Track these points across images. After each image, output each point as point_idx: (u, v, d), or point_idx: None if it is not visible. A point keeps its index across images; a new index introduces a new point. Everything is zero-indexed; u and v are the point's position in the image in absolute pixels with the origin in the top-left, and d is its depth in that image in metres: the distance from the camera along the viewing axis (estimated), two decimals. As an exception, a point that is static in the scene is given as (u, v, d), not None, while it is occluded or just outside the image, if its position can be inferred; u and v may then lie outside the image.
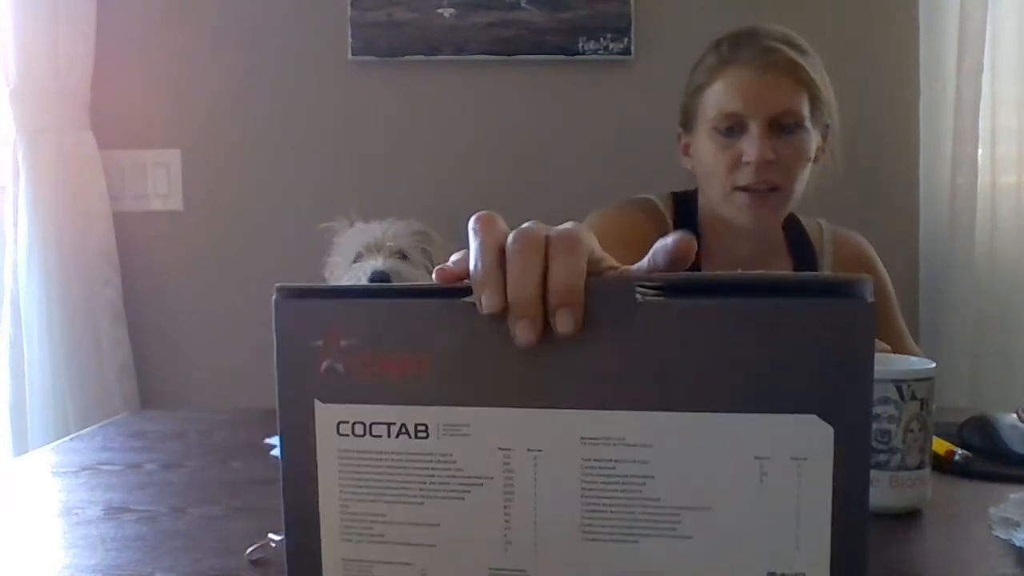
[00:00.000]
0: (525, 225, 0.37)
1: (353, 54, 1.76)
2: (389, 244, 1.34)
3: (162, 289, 1.79)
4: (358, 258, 1.33)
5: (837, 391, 0.35)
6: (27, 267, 1.66)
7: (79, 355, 1.67)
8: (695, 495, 0.36)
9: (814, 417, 0.35)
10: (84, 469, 0.80)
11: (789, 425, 0.35)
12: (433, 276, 0.39)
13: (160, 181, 1.78)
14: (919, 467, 0.65)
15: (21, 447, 1.66)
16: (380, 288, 0.40)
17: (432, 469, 0.39)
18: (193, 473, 0.79)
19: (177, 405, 1.73)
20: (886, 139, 1.81)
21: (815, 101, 1.06)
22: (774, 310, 0.35)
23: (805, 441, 0.35)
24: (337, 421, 0.39)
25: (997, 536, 0.58)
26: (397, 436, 0.39)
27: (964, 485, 0.73)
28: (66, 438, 0.94)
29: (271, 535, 0.57)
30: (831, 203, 1.22)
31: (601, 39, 1.76)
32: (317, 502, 0.40)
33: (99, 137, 1.72)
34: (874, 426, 0.65)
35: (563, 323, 0.35)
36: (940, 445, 0.76)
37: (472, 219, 0.38)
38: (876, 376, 0.67)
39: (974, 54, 1.66)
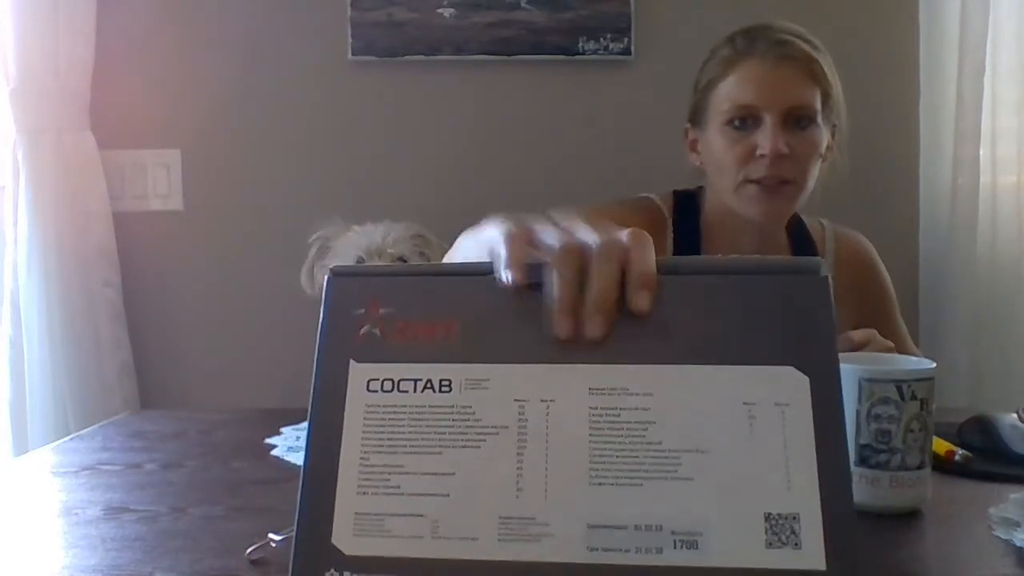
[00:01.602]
0: (600, 240, 0.43)
1: (353, 54, 1.76)
2: (390, 251, 1.34)
3: (162, 289, 1.79)
4: (359, 262, 1.34)
5: (807, 348, 0.42)
6: (27, 267, 1.66)
7: (79, 355, 1.67)
8: (693, 439, 0.40)
9: (791, 368, 0.41)
10: (84, 469, 0.80)
11: (770, 375, 0.41)
12: (507, 273, 0.43)
13: (160, 181, 1.78)
14: (919, 467, 0.65)
15: (21, 447, 1.66)
16: (415, 267, 0.47)
17: (452, 419, 0.42)
18: (193, 473, 0.79)
19: (177, 405, 1.73)
20: (886, 139, 1.81)
21: (826, 98, 1.06)
22: (747, 285, 0.43)
23: (786, 389, 0.41)
24: (368, 379, 0.43)
25: (997, 536, 0.58)
26: (423, 391, 0.43)
27: (964, 485, 0.73)
28: (66, 438, 0.94)
29: (271, 535, 0.57)
30: (831, 203, 1.22)
31: (601, 39, 1.76)
32: (338, 458, 0.42)
33: (99, 137, 1.72)
34: (874, 426, 0.65)
35: (639, 306, 0.42)
36: (940, 445, 0.76)
37: (552, 237, 0.44)
38: (877, 376, 0.67)
39: (976, 55, 1.66)
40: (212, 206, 1.79)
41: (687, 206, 1.17)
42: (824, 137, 1.07)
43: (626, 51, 1.76)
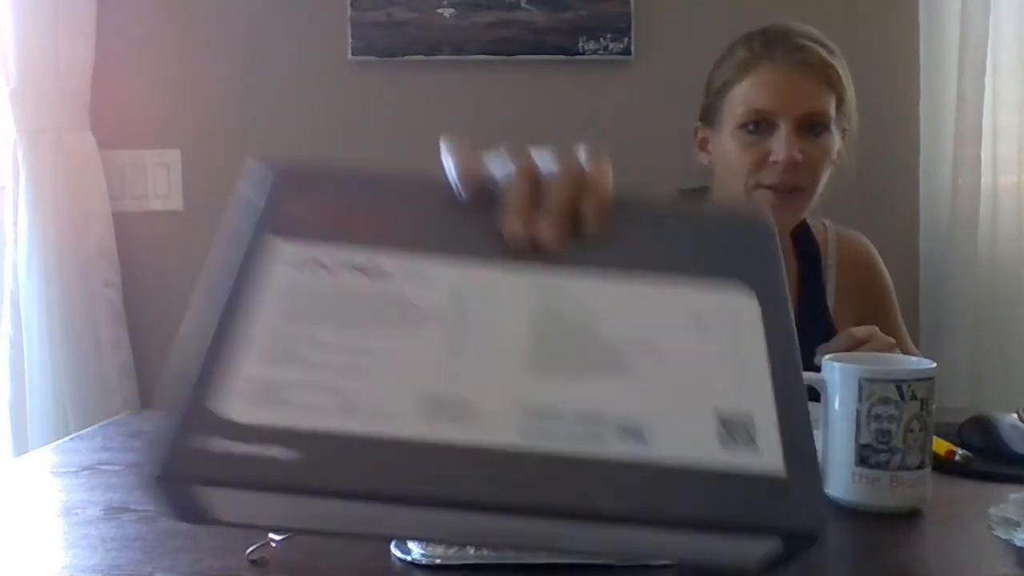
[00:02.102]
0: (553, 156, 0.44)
1: (353, 54, 1.76)
2: None
3: (162, 289, 1.79)
4: None
5: (754, 269, 0.43)
6: (27, 267, 1.66)
7: (79, 355, 1.67)
8: (640, 337, 0.39)
9: (739, 282, 0.42)
10: (84, 469, 0.80)
11: (720, 286, 0.42)
12: (455, 172, 0.43)
13: (160, 181, 1.78)
14: (919, 467, 0.65)
15: (21, 447, 1.66)
16: (362, 169, 0.44)
17: (384, 304, 0.38)
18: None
19: (177, 405, 1.72)
20: (886, 139, 1.81)
21: (840, 103, 1.05)
22: (699, 223, 0.45)
23: (735, 301, 0.41)
24: (291, 257, 0.39)
25: (997, 536, 0.58)
26: (352, 271, 0.40)
27: (964, 485, 0.73)
28: (66, 438, 0.94)
29: (271, 535, 0.57)
30: (831, 202, 1.22)
31: (601, 39, 1.76)
32: (238, 323, 0.37)
33: (99, 137, 1.72)
34: (874, 426, 0.65)
35: (592, 229, 0.42)
36: (940, 445, 0.76)
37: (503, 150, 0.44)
38: (877, 376, 0.67)
39: (976, 55, 1.66)
40: (212, 206, 1.79)
41: None
42: (836, 143, 1.07)
43: (626, 51, 1.76)
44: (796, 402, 0.38)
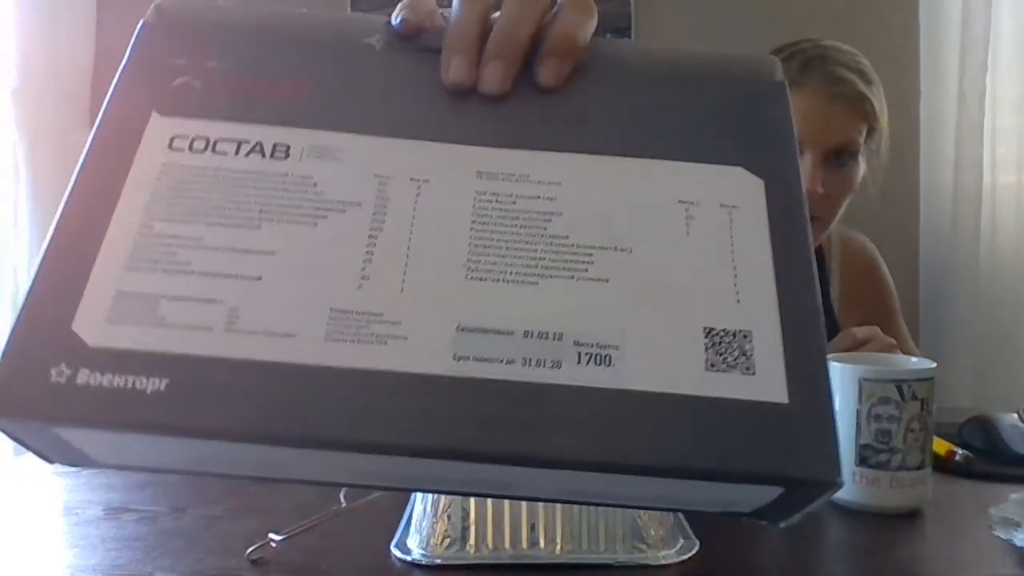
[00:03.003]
0: None
1: (353, 54, 1.76)
2: None
3: (162, 289, 1.79)
4: None
5: (762, 149, 0.34)
6: (27, 267, 1.66)
7: (79, 355, 1.67)
8: (611, 236, 0.31)
9: (741, 169, 0.33)
10: (84, 469, 0.80)
11: (715, 174, 0.33)
12: (400, 15, 0.35)
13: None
14: (920, 467, 0.65)
15: (21, 447, 1.66)
16: (272, 13, 0.36)
17: (283, 190, 0.31)
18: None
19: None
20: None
21: (872, 132, 1.03)
22: (693, 81, 0.36)
23: (734, 190, 0.33)
24: (173, 135, 0.32)
25: (997, 536, 0.58)
26: (247, 155, 0.32)
27: (964, 485, 0.73)
28: (66, 438, 0.94)
29: (271, 535, 0.57)
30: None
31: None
32: (106, 224, 0.30)
33: (99, 137, 1.72)
34: (874, 426, 0.65)
35: (547, 77, 0.34)
36: (941, 445, 0.76)
37: None
38: (877, 376, 0.67)
39: (977, 54, 1.66)
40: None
41: None
42: (861, 171, 1.05)
43: (626, 51, 1.76)
44: (806, 314, 0.30)
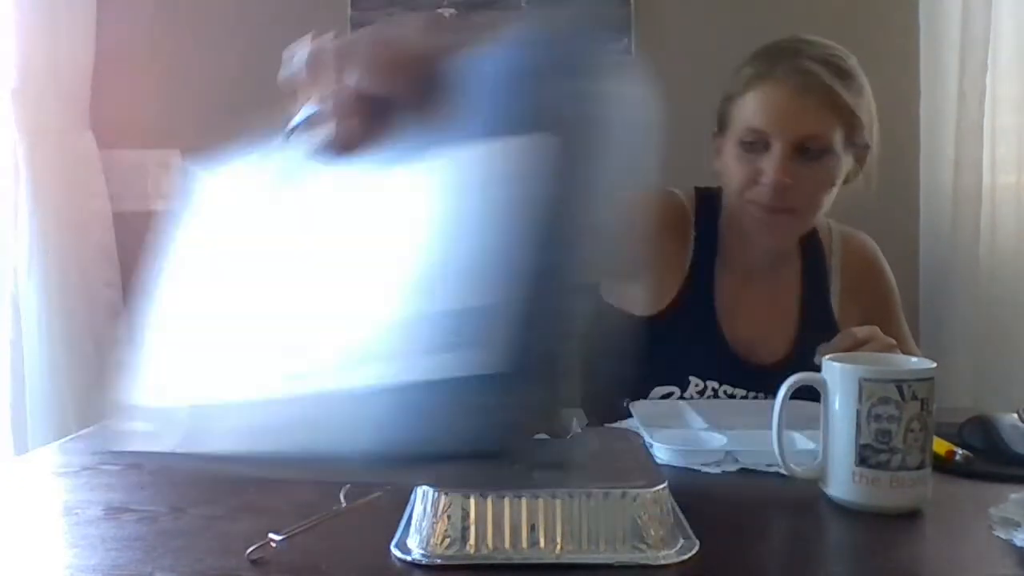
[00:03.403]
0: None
1: (353, 54, 1.76)
2: None
3: (162, 289, 1.79)
4: None
5: (560, 117, 0.35)
6: (27, 267, 1.66)
7: (79, 355, 1.67)
8: (399, 239, 0.37)
9: (537, 136, 0.35)
10: (84, 469, 0.80)
11: (515, 145, 0.35)
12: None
13: (160, 181, 1.78)
14: (920, 467, 0.65)
15: (21, 447, 1.66)
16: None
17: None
18: (193, 473, 0.78)
19: (177, 405, 1.72)
20: (886, 139, 1.80)
21: (850, 126, 1.03)
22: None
23: (523, 162, 0.34)
24: None
25: (997, 536, 0.58)
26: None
27: (964, 485, 0.73)
28: (66, 438, 0.94)
29: (271, 535, 0.57)
30: (832, 202, 1.21)
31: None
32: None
33: (99, 137, 1.72)
34: (874, 426, 0.65)
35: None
36: (941, 445, 0.76)
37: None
38: (877, 376, 0.67)
39: (977, 54, 1.66)
40: (212, 206, 1.79)
41: (708, 205, 1.16)
42: (843, 164, 1.04)
43: (626, 51, 1.76)
44: (546, 288, 0.31)
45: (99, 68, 1.71)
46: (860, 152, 1.07)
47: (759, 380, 1.07)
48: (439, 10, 1.75)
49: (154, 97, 1.78)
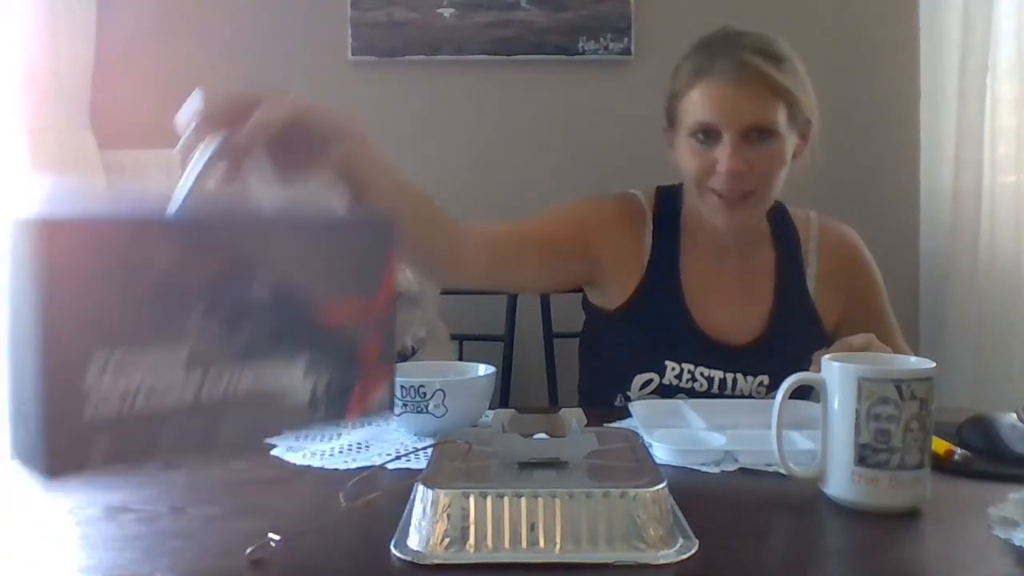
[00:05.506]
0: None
1: (353, 54, 1.76)
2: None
3: (162, 289, 1.79)
4: None
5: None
6: (27, 267, 1.66)
7: (79, 355, 1.67)
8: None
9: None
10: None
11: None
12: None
13: (160, 181, 1.78)
14: (919, 467, 0.65)
15: (21, 447, 1.66)
16: None
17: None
18: (193, 473, 0.79)
19: (177, 405, 1.72)
20: (886, 139, 1.81)
21: (791, 106, 1.07)
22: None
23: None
24: None
25: (997, 536, 0.58)
26: None
27: (964, 485, 0.73)
28: (66, 438, 0.93)
29: (271, 535, 0.57)
30: (832, 203, 1.22)
31: (601, 39, 1.76)
32: None
33: (99, 137, 1.72)
34: (874, 426, 0.65)
35: None
36: (940, 445, 0.76)
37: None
38: (876, 376, 0.67)
39: (977, 54, 1.66)
40: (212, 206, 1.79)
41: (669, 201, 1.20)
42: (789, 143, 1.08)
43: (626, 51, 1.77)
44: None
45: (99, 68, 1.72)
46: (803, 128, 1.11)
47: (734, 360, 1.10)
48: (439, 10, 1.75)
49: (154, 97, 1.77)
